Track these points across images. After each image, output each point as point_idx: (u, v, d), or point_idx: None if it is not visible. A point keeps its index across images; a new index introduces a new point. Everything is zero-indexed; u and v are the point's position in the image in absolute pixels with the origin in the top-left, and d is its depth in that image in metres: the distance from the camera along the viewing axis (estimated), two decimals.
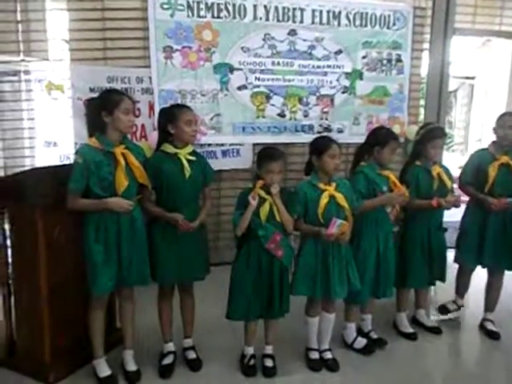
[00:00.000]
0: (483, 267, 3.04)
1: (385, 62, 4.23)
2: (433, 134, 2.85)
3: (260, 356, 2.56)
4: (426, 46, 4.42)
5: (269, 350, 2.57)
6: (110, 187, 2.18)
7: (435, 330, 3.02)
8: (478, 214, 2.95)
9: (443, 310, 3.22)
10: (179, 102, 3.70)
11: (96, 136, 2.22)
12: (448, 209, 2.84)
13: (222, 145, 3.90)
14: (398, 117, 4.33)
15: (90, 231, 2.20)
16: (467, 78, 7.76)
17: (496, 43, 6.73)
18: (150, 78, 3.66)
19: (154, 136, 3.64)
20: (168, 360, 2.54)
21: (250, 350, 2.55)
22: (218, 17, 3.79)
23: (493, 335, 2.98)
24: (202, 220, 2.44)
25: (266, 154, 2.39)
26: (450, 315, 3.22)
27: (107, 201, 2.15)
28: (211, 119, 3.84)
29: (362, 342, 2.77)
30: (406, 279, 2.87)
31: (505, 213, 2.89)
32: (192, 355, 2.60)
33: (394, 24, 4.21)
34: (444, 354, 2.85)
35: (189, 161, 2.40)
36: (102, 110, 2.17)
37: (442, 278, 2.99)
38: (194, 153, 2.47)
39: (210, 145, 3.87)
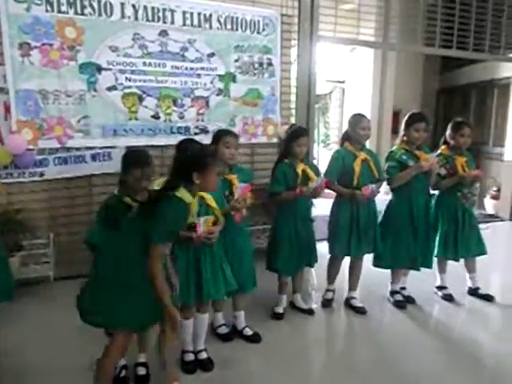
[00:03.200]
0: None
1: (256, 65, 4.40)
2: (297, 134, 3.08)
3: (132, 365, 2.49)
4: (295, 51, 4.69)
5: (142, 358, 2.51)
6: None
7: (309, 312, 3.27)
8: (347, 209, 3.22)
9: (327, 303, 3.44)
10: (40, 102, 3.46)
11: None
12: (313, 197, 3.10)
13: (92, 148, 3.72)
14: (271, 118, 4.53)
15: None
16: (339, 81, 8.42)
17: (361, 51, 7.38)
18: (5, 76, 3.34)
19: (12, 140, 3.35)
20: None
21: (121, 362, 2.45)
22: (82, 13, 3.61)
23: (360, 310, 3.30)
24: None
25: (134, 159, 2.22)
26: (334, 304, 3.45)
27: None
28: (78, 121, 3.64)
29: (224, 329, 2.90)
30: (277, 266, 3.09)
31: (369, 206, 3.23)
32: None
33: (264, 29, 4.40)
34: (318, 333, 3.08)
35: None
36: None
37: (311, 264, 3.25)
38: None
39: (78, 149, 3.67)
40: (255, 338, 2.91)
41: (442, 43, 5.70)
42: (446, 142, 3.55)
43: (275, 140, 4.54)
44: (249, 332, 2.93)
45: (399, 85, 7.55)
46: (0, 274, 2.13)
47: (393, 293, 3.49)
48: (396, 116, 7.59)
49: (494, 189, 6.56)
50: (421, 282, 3.57)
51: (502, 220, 6.29)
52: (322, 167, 3.41)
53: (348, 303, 3.40)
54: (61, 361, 2.60)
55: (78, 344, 2.72)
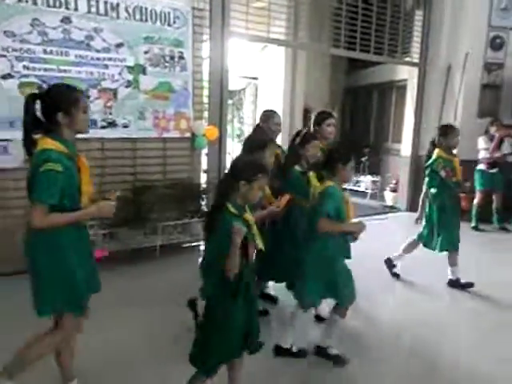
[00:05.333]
0: None
1: (168, 58, 4.32)
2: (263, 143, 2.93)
3: None
4: (207, 45, 4.68)
5: None
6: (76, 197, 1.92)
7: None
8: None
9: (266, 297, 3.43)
10: None
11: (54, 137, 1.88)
12: None
13: None
14: (184, 112, 4.49)
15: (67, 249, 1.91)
16: (252, 78, 8.54)
17: (273, 48, 7.54)
18: None
19: None
20: None
21: None
22: None
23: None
24: None
25: (263, 167, 1.98)
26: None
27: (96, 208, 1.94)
28: None
29: None
30: None
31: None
32: None
33: (175, 22, 4.33)
34: None
35: None
36: (57, 110, 1.87)
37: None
38: None
39: None
40: None
41: (347, 45, 6.06)
42: (435, 145, 3.75)
43: (188, 135, 4.51)
44: None
45: (309, 83, 7.86)
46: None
47: None
48: (306, 113, 7.90)
49: (393, 182, 7.13)
50: None
51: (399, 211, 6.86)
52: None
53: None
54: None
55: None
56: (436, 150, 3.73)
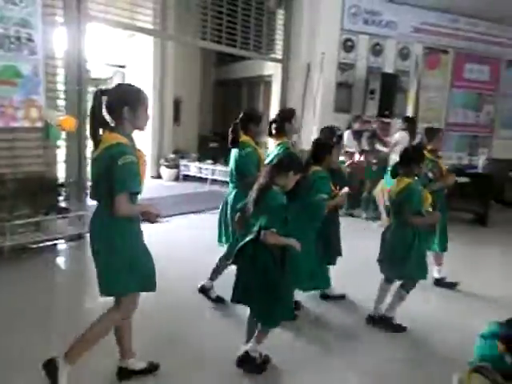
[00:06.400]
0: None
1: (13, 39, 3.92)
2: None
3: None
4: (62, 29, 4.34)
5: None
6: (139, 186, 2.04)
7: None
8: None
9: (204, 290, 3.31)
10: None
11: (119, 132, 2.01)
12: None
13: None
14: (34, 100, 4.11)
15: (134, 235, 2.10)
16: (120, 66, 8.18)
17: (140, 37, 7.31)
18: None
19: None
20: None
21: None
22: None
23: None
24: None
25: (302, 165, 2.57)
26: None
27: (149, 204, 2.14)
28: None
29: None
30: None
31: None
32: None
33: (21, 1, 3.94)
34: None
35: None
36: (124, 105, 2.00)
37: None
38: None
39: None
40: None
41: (214, 38, 6.14)
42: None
43: (40, 124, 4.15)
44: None
45: (179, 74, 7.81)
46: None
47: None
48: (177, 105, 7.85)
49: None
50: None
51: None
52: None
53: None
54: None
55: None
56: None
